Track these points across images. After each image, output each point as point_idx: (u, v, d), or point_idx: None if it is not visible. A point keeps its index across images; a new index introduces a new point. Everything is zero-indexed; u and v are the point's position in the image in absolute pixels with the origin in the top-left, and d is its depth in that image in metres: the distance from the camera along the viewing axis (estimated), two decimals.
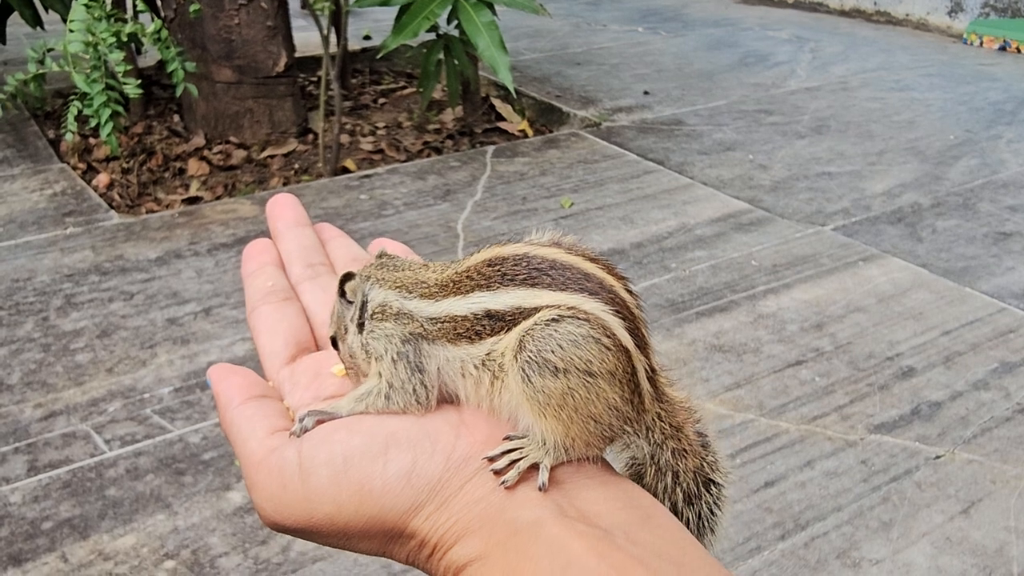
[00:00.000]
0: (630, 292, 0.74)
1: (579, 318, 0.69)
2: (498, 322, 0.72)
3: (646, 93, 6.87)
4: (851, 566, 2.68)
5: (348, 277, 0.78)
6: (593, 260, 0.74)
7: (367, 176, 5.31)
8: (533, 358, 0.69)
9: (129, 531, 2.74)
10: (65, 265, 4.21)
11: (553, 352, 0.69)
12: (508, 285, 0.72)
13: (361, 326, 0.77)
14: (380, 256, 0.82)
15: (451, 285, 0.75)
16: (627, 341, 0.71)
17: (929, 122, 6.37)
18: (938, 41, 8.68)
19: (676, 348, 3.70)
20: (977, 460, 3.10)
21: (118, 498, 2.86)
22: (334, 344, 0.81)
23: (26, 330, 3.71)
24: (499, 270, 0.73)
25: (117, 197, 5.00)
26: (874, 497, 2.93)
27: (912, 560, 2.69)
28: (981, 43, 8.44)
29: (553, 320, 0.69)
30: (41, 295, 3.96)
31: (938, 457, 3.12)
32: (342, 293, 0.79)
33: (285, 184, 5.24)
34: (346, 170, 5.41)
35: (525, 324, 0.70)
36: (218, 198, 5.06)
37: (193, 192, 5.11)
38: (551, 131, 6.30)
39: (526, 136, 6.13)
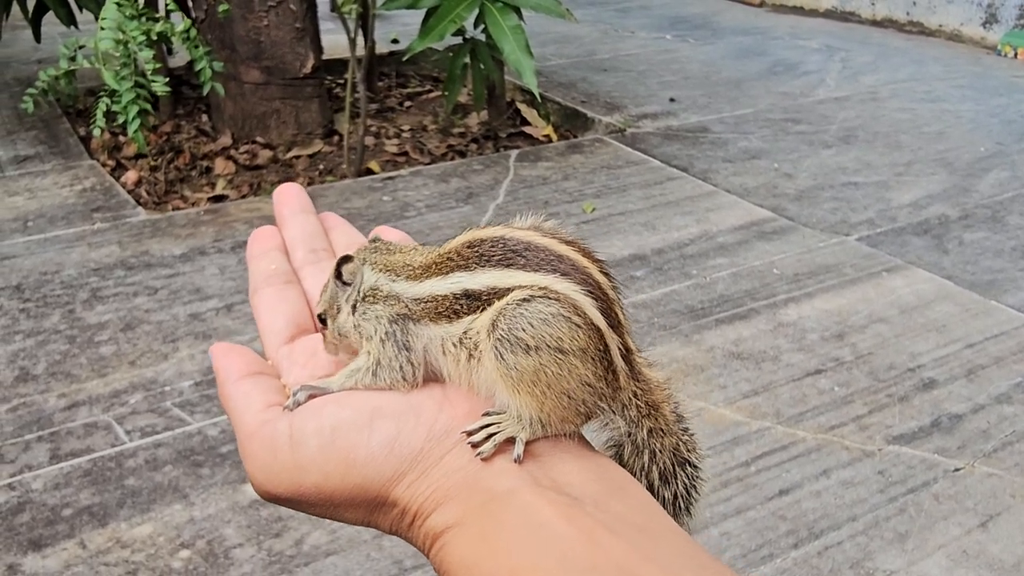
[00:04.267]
0: (605, 274, 0.77)
1: (549, 297, 0.72)
2: (474, 301, 0.75)
3: (672, 100, 6.86)
4: None
5: (346, 260, 0.81)
6: (568, 243, 0.76)
7: (390, 178, 5.35)
8: (505, 336, 0.72)
9: (146, 520, 2.78)
10: (92, 259, 4.28)
11: (524, 330, 0.71)
12: (485, 266, 0.75)
13: (355, 307, 0.80)
14: (373, 241, 0.85)
15: (433, 267, 0.78)
16: (599, 320, 0.73)
17: (959, 134, 6.30)
18: (971, 52, 8.58)
19: (694, 354, 3.68)
20: (997, 474, 3.06)
21: (137, 488, 2.90)
22: (322, 320, 0.84)
23: (52, 322, 3.77)
24: (477, 251, 0.76)
25: (145, 194, 5.08)
26: (890, 508, 2.90)
27: (927, 572, 2.66)
28: (1015, 55, 8.34)
29: (524, 300, 0.72)
30: (68, 288, 4.03)
31: (957, 470, 3.08)
32: (338, 275, 0.81)
33: (310, 184, 5.29)
34: (370, 172, 5.46)
35: (498, 304, 0.73)
36: (243, 197, 5.12)
37: (219, 191, 5.17)
38: (576, 136, 6.31)
39: (550, 141, 6.14)
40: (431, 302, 0.77)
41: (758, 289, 4.20)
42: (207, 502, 2.85)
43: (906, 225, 4.90)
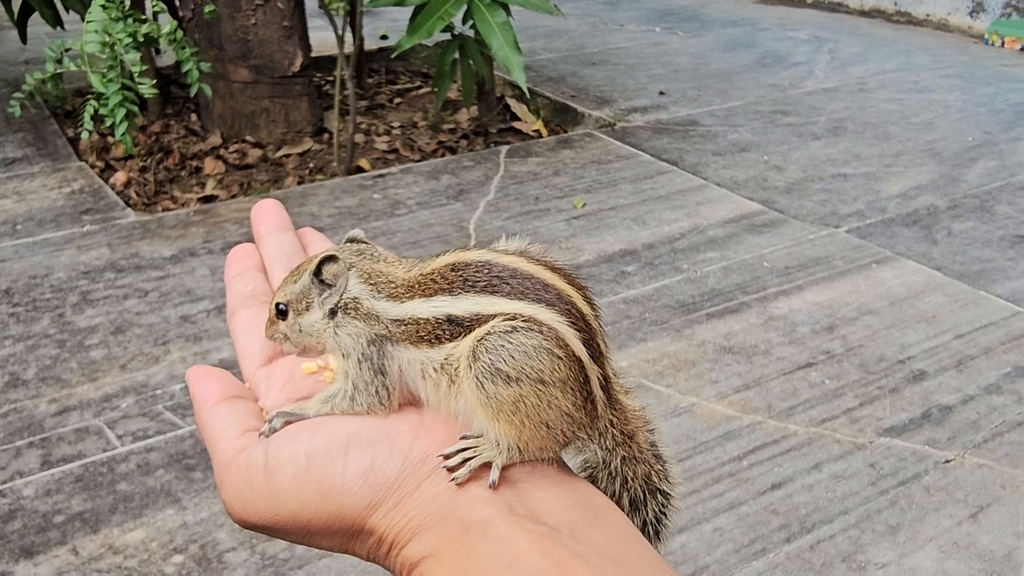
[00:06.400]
0: (589, 302, 0.76)
1: (532, 329, 0.71)
2: (457, 327, 0.74)
3: (661, 93, 6.85)
4: (856, 570, 2.67)
5: (330, 259, 0.79)
6: (554, 270, 0.76)
7: (381, 175, 5.34)
8: (486, 368, 0.71)
9: (139, 525, 2.77)
10: (81, 262, 4.27)
11: (505, 362, 0.71)
12: (469, 291, 0.74)
13: (333, 312, 0.78)
14: (355, 241, 0.82)
15: (416, 287, 0.77)
16: (580, 351, 0.73)
17: (948, 124, 6.32)
18: (959, 42, 8.59)
19: (685, 349, 3.69)
20: (987, 465, 3.08)
21: (129, 493, 2.90)
22: (279, 311, 0.81)
23: (42, 326, 3.76)
24: (461, 275, 0.75)
25: (134, 195, 5.06)
26: (882, 501, 2.92)
27: (918, 564, 2.68)
28: (1003, 44, 8.35)
29: (507, 331, 0.71)
30: (58, 292, 4.01)
31: (948, 461, 3.10)
32: (318, 272, 0.79)
33: (300, 183, 5.28)
34: (360, 169, 5.45)
35: (479, 332, 0.72)
36: (233, 197, 5.10)
37: (209, 191, 5.15)
38: (566, 131, 6.30)
39: (540, 136, 6.13)
40: (412, 324, 0.76)
41: (749, 283, 4.21)
42: (200, 506, 2.85)
43: (895, 216, 4.92)
